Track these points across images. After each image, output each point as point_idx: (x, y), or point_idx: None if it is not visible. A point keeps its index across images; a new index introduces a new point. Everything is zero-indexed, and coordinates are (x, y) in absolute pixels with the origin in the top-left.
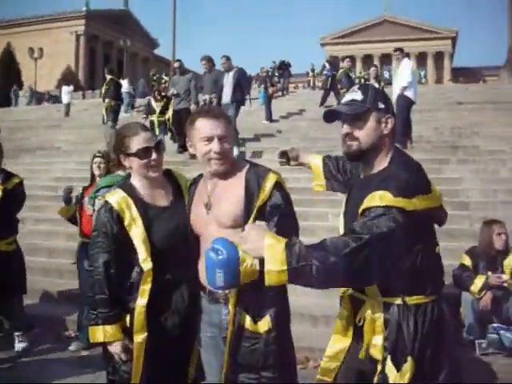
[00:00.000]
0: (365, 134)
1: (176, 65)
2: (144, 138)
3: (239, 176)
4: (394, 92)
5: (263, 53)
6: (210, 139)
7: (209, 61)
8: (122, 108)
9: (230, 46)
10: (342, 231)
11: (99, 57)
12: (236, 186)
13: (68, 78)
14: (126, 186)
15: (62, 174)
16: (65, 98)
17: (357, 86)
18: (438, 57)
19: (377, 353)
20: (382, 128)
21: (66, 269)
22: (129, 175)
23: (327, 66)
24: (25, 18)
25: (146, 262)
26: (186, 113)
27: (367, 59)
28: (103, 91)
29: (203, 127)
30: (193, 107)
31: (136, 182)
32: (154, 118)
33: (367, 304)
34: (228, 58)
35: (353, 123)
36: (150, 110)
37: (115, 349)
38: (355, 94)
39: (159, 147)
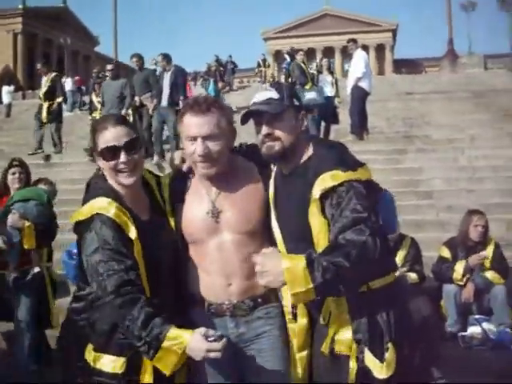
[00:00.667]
0: (286, 133)
1: (109, 67)
2: (112, 135)
3: (252, 173)
4: (348, 83)
5: (203, 49)
6: (194, 139)
7: (139, 58)
8: (65, 107)
9: (170, 44)
10: (279, 236)
11: (38, 55)
12: (253, 185)
13: (6, 77)
14: (109, 192)
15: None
16: (5, 98)
17: (269, 85)
18: (380, 49)
19: (344, 348)
20: (299, 125)
21: None
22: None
23: (288, 58)
24: None
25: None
26: None
27: (310, 53)
28: (45, 89)
29: (188, 125)
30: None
31: (115, 186)
32: (97, 114)
33: (329, 300)
34: (165, 56)
35: (272, 123)
36: (92, 107)
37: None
38: (270, 93)
39: (133, 146)
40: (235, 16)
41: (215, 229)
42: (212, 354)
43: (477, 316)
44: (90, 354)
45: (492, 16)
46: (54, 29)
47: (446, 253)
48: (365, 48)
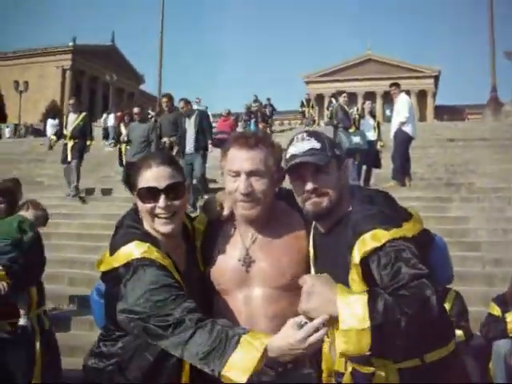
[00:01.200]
0: (333, 187)
1: (136, 110)
2: (154, 175)
3: (294, 221)
4: (392, 128)
5: (244, 90)
6: (237, 174)
7: (169, 99)
8: (106, 143)
9: (213, 84)
10: None
11: (85, 91)
12: (293, 235)
13: (52, 112)
14: (145, 237)
15: None
16: (49, 131)
17: (305, 134)
18: (421, 95)
19: None
20: (342, 176)
21: None
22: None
23: (334, 101)
24: (10, 51)
25: None
26: None
27: (351, 97)
28: (73, 127)
29: (232, 158)
30: None
31: (151, 231)
32: (123, 146)
33: (377, 375)
34: (187, 102)
35: (318, 176)
36: (118, 137)
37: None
38: (311, 143)
39: (175, 191)
40: (275, 56)
41: (245, 279)
42: (317, 336)
43: None
44: None
45: None
46: (101, 66)
47: (497, 310)
48: (406, 94)
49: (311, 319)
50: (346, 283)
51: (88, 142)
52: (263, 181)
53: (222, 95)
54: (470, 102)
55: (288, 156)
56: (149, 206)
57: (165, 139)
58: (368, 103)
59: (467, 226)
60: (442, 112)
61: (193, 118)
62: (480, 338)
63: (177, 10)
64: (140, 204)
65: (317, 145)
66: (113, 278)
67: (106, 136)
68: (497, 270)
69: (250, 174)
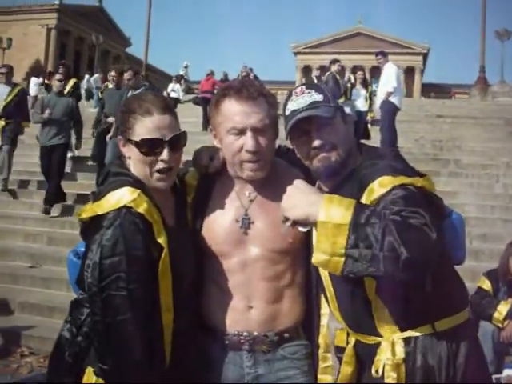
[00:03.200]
0: (342, 140)
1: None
2: (158, 124)
3: (295, 178)
4: (378, 98)
5: (232, 61)
6: (241, 132)
7: (119, 75)
8: (93, 103)
9: (199, 53)
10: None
11: (70, 52)
12: None
13: (36, 71)
14: (137, 184)
15: (23, 167)
16: (33, 90)
17: (305, 87)
18: (409, 71)
19: None
20: (349, 129)
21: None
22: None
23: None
24: None
25: (167, 309)
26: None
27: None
28: (4, 104)
29: (232, 113)
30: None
31: (142, 178)
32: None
33: (384, 346)
34: (136, 73)
35: (324, 130)
36: None
37: None
38: (311, 96)
39: (179, 143)
40: (265, 28)
41: (242, 241)
42: None
43: None
44: (89, 378)
45: None
46: (88, 27)
47: (487, 285)
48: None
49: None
50: None
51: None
52: (268, 137)
53: (210, 63)
54: (456, 81)
55: (288, 112)
56: (150, 158)
57: (109, 119)
58: (360, 73)
59: (455, 201)
60: (429, 89)
61: (140, 90)
62: None
63: None
64: (138, 155)
65: (318, 97)
66: (93, 228)
67: (88, 98)
68: (484, 245)
69: (256, 130)
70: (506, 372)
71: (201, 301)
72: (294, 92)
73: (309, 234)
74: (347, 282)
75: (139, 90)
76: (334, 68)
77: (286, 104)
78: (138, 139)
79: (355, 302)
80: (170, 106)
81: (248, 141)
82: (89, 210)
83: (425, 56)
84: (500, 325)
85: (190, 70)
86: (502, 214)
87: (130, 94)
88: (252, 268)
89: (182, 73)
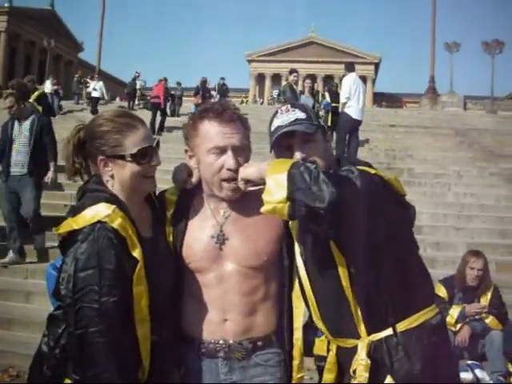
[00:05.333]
0: (321, 156)
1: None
2: (143, 135)
3: None
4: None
5: (185, 66)
6: (222, 151)
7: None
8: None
9: (154, 58)
10: (303, 272)
11: (20, 56)
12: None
13: None
14: (112, 199)
15: None
16: None
17: (289, 106)
18: (362, 81)
19: None
20: (328, 147)
21: None
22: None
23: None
24: None
25: (143, 320)
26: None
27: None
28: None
29: (213, 133)
30: None
31: (122, 196)
32: None
33: (360, 347)
34: (20, 99)
35: (305, 146)
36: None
37: None
38: (295, 113)
39: (157, 149)
40: (219, 34)
41: (218, 257)
42: None
43: (469, 362)
44: None
45: (475, 58)
46: (39, 31)
47: (442, 291)
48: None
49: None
50: (330, 256)
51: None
52: (245, 156)
53: (162, 71)
54: (407, 91)
55: (273, 128)
56: (143, 167)
57: None
58: (308, 81)
59: None
60: (381, 99)
61: (28, 121)
62: None
63: None
64: (133, 167)
65: (301, 115)
66: (71, 243)
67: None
68: (438, 253)
69: (236, 149)
70: (461, 376)
71: (179, 312)
72: (279, 110)
73: (285, 249)
74: (327, 285)
75: (27, 121)
76: (291, 78)
77: (271, 121)
78: (134, 151)
79: (335, 305)
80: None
81: (229, 159)
82: (66, 225)
83: (376, 66)
84: (453, 328)
85: (142, 77)
86: (455, 223)
87: (15, 124)
88: (228, 283)
89: (138, 84)
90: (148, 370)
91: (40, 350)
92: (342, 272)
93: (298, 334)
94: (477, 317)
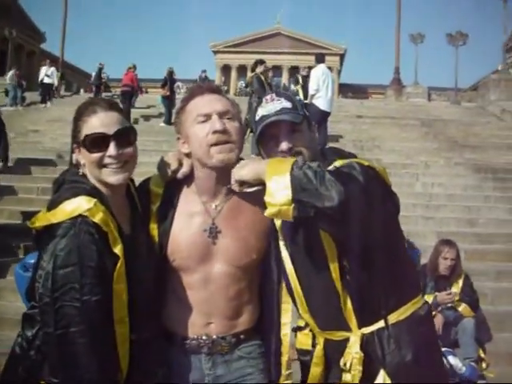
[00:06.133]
0: (307, 146)
1: None
2: (102, 121)
3: (261, 194)
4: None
5: (150, 58)
6: (207, 117)
7: None
8: (7, 101)
9: (119, 49)
10: (291, 271)
11: None
12: (260, 209)
13: None
14: (93, 192)
15: None
16: None
17: (275, 95)
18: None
19: None
20: (313, 137)
21: None
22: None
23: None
24: None
25: (122, 320)
26: None
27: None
28: None
29: (197, 105)
30: None
31: (98, 186)
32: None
33: (353, 340)
34: None
35: (292, 135)
36: None
37: None
38: (281, 102)
39: (126, 137)
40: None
41: (207, 254)
42: None
43: (442, 349)
44: None
45: (439, 49)
46: (0, 20)
47: None
48: (310, 69)
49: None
50: (321, 249)
51: None
52: (235, 123)
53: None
54: (372, 82)
55: (258, 118)
56: (97, 155)
57: None
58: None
59: None
60: (347, 90)
61: None
62: None
63: None
64: (86, 155)
65: (287, 104)
66: (46, 237)
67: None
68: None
69: (221, 114)
70: (451, 360)
71: (161, 311)
72: (264, 99)
73: (270, 246)
74: (316, 278)
75: None
76: (260, 69)
77: (256, 111)
78: (82, 138)
79: (324, 298)
80: (115, 105)
81: (214, 122)
82: (43, 219)
83: (342, 57)
84: None
85: (105, 68)
86: (423, 212)
87: None
88: (214, 285)
89: (104, 75)
90: (127, 370)
91: (14, 350)
92: (333, 265)
93: (286, 330)
94: (449, 305)
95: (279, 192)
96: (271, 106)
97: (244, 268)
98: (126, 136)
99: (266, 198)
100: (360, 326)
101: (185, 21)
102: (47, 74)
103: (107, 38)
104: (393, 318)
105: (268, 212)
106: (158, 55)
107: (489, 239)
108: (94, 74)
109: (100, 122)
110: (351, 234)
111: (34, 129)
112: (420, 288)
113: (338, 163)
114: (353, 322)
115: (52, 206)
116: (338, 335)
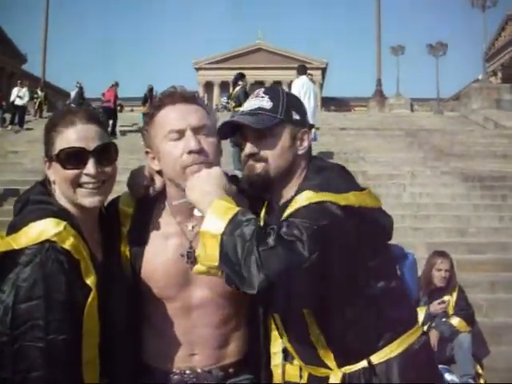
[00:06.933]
0: (276, 154)
1: None
2: (79, 134)
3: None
4: None
5: (134, 77)
6: (180, 133)
7: None
8: None
9: (101, 68)
10: None
11: None
12: None
13: None
14: (62, 213)
15: None
16: None
17: (262, 90)
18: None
19: None
20: (297, 146)
21: None
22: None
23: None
24: None
25: (92, 362)
26: None
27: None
28: None
29: (168, 118)
30: None
31: (69, 207)
32: None
33: (332, 379)
34: None
35: (259, 140)
36: None
37: None
38: (262, 101)
39: (107, 154)
40: (165, 44)
41: (187, 280)
42: None
43: (439, 366)
44: None
45: (420, 60)
46: None
47: None
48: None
49: None
50: None
51: None
52: (212, 140)
53: (110, 79)
54: (355, 95)
55: (238, 113)
56: (72, 172)
57: None
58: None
59: None
60: (329, 103)
61: None
62: None
63: None
64: (59, 171)
65: (267, 104)
66: (9, 267)
67: None
68: None
69: (196, 130)
70: (447, 378)
71: (136, 345)
72: (253, 93)
73: None
74: (292, 319)
75: None
76: (244, 82)
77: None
78: (56, 151)
79: (301, 333)
80: (96, 117)
81: (189, 141)
82: (2, 244)
83: (323, 70)
84: None
85: (84, 88)
86: (412, 223)
87: None
88: (196, 314)
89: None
90: None
91: None
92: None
93: (276, 360)
94: (443, 319)
95: (208, 253)
96: (252, 101)
97: (227, 295)
98: (106, 153)
99: (197, 251)
100: (340, 366)
101: (166, 38)
102: (19, 95)
103: (88, 58)
104: (380, 356)
105: (196, 269)
106: (139, 73)
107: (480, 249)
108: (73, 93)
109: (77, 135)
110: (287, 301)
111: (14, 150)
112: (415, 319)
113: (305, 197)
114: (331, 361)
115: (13, 229)
116: (321, 372)
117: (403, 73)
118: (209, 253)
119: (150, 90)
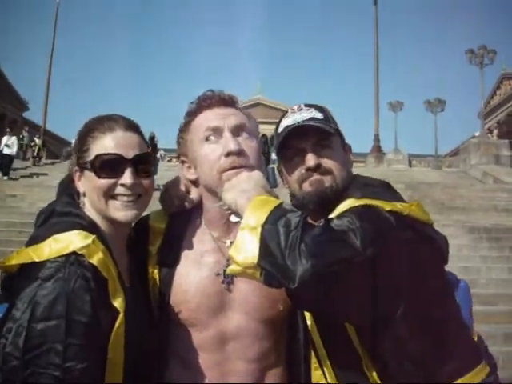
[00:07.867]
0: (340, 166)
1: None
2: (117, 141)
3: None
4: None
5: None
6: (218, 134)
7: None
8: None
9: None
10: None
11: None
12: None
13: None
14: (91, 227)
15: None
16: None
17: (303, 104)
18: None
19: None
20: (348, 159)
21: None
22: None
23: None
24: None
25: None
26: None
27: None
28: None
29: (205, 120)
30: None
31: (99, 222)
32: None
33: None
34: None
35: (321, 150)
36: None
37: None
38: (311, 112)
39: (146, 165)
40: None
41: (221, 305)
42: None
43: None
44: None
45: (418, 116)
46: None
47: None
48: None
49: None
50: None
51: None
52: (253, 143)
53: None
54: (352, 150)
55: (281, 130)
56: (107, 182)
57: None
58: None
59: None
60: None
61: None
62: None
63: (67, 42)
64: (92, 180)
65: (318, 115)
66: (26, 282)
67: None
68: None
69: (235, 130)
70: None
71: (163, 377)
72: (290, 109)
73: None
74: (336, 341)
75: None
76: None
77: (279, 123)
78: (91, 158)
79: (346, 359)
80: (136, 125)
81: (228, 141)
82: (21, 256)
83: None
84: None
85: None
86: None
87: None
88: (231, 344)
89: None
90: None
91: None
92: (354, 338)
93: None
94: None
95: (245, 250)
96: (298, 115)
97: (268, 322)
98: (145, 163)
99: (231, 251)
100: None
101: (164, 92)
102: (7, 143)
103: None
104: None
105: (230, 269)
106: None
107: (491, 300)
108: (74, 140)
109: (116, 142)
110: (340, 309)
111: (12, 193)
112: (480, 353)
113: (348, 203)
114: None
115: (35, 240)
116: None
117: (401, 129)
118: (246, 247)
119: (152, 138)
